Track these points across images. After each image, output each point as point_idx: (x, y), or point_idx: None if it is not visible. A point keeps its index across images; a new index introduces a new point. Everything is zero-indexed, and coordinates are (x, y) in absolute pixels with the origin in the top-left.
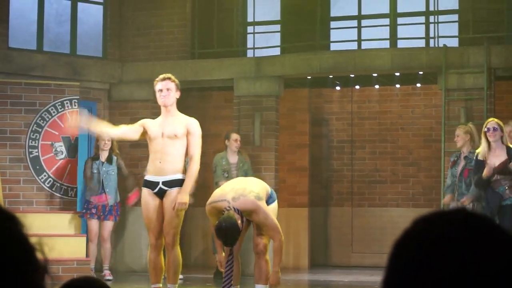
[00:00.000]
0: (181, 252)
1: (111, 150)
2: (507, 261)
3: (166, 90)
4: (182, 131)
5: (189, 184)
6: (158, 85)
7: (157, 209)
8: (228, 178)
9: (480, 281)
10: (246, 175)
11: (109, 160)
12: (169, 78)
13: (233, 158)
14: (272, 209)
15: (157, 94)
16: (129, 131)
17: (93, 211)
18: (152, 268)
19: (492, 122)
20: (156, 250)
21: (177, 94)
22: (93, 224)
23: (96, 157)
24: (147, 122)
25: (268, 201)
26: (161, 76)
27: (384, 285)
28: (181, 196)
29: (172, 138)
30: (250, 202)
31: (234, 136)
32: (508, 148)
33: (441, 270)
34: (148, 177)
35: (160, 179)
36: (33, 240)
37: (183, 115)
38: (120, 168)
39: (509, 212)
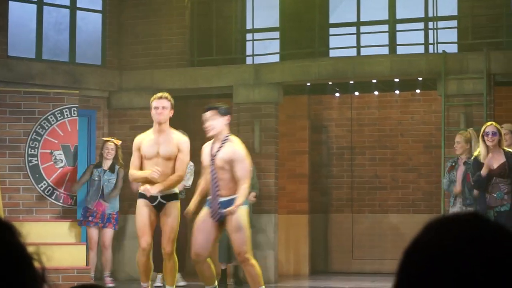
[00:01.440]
0: (185, 259)
1: (115, 159)
2: None
3: (162, 108)
4: (175, 152)
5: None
6: (154, 103)
7: (153, 218)
8: None
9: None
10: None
11: (111, 169)
12: (166, 98)
13: None
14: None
15: (153, 111)
16: (138, 164)
17: (90, 218)
18: (143, 270)
19: (490, 126)
20: (147, 254)
21: (171, 113)
22: (93, 232)
23: (98, 165)
24: (141, 143)
25: None
26: (159, 95)
27: None
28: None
29: (167, 159)
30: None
31: None
32: (505, 151)
33: (451, 278)
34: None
35: (159, 193)
36: (30, 249)
37: (174, 131)
38: (118, 177)
39: (505, 219)
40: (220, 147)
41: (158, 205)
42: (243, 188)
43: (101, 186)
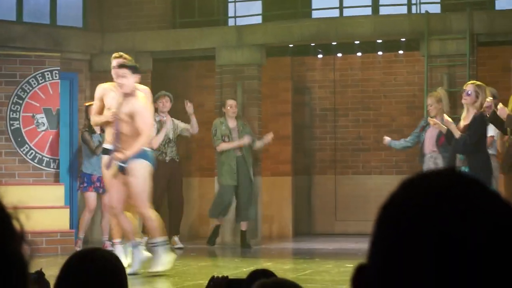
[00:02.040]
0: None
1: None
2: (493, 228)
3: (122, 78)
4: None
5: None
6: (113, 63)
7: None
8: (230, 142)
9: (465, 247)
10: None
11: (103, 131)
12: (124, 66)
13: (232, 123)
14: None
15: (113, 72)
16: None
17: (97, 184)
18: (116, 228)
19: (469, 85)
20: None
21: (135, 77)
22: (92, 196)
23: (92, 130)
24: (104, 95)
25: None
26: (115, 56)
27: (371, 249)
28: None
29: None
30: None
31: (229, 102)
32: (476, 113)
33: (427, 235)
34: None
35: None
36: (9, 209)
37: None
38: None
39: None
40: (124, 101)
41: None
42: (138, 141)
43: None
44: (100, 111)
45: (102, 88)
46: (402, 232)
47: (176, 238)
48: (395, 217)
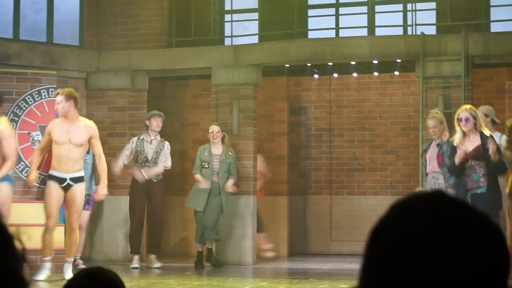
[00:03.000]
0: (160, 241)
1: None
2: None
3: (57, 104)
4: (87, 139)
5: (105, 178)
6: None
7: (60, 200)
8: (209, 169)
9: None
10: (228, 169)
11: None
12: (58, 94)
13: (217, 150)
14: None
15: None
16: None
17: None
18: (48, 246)
19: (464, 112)
20: (51, 232)
21: (70, 104)
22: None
23: None
24: (52, 129)
25: None
26: (55, 92)
27: (362, 272)
28: (103, 189)
29: (78, 146)
30: None
31: (211, 127)
32: (481, 133)
33: (416, 258)
34: (55, 172)
35: (67, 175)
36: (11, 229)
37: (82, 119)
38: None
39: (481, 201)
40: None
41: (66, 186)
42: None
43: None
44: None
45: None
46: (392, 257)
47: (152, 257)
48: (385, 242)
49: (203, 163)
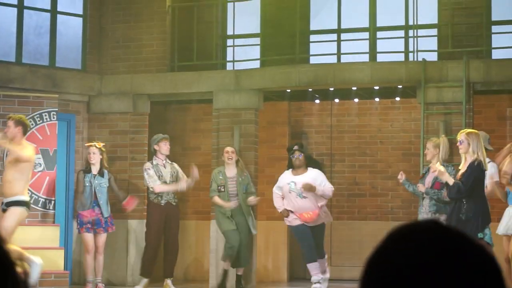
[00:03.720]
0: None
1: (101, 163)
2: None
3: (7, 127)
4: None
5: None
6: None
7: None
8: (225, 192)
9: None
10: (246, 189)
11: (100, 173)
12: (8, 118)
13: (230, 172)
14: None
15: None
16: None
17: (89, 225)
18: None
19: (461, 134)
20: None
21: (18, 130)
22: (89, 236)
23: (88, 170)
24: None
25: None
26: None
27: None
28: None
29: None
30: None
31: (226, 148)
32: (472, 160)
33: (411, 286)
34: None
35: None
36: (13, 255)
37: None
38: (110, 182)
39: (463, 226)
40: None
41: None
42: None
43: (93, 192)
44: None
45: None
46: (388, 284)
47: (169, 281)
48: (381, 270)
49: (219, 187)
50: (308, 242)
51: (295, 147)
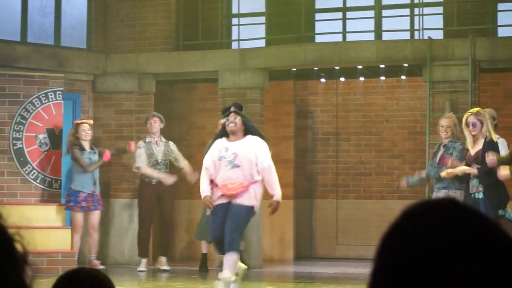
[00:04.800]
0: (170, 244)
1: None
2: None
3: None
4: None
5: None
6: None
7: None
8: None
9: (465, 277)
10: None
11: (92, 149)
12: None
13: None
14: None
15: None
16: None
17: (83, 204)
18: None
19: (471, 116)
20: None
21: None
22: (79, 215)
23: (82, 148)
24: None
25: None
26: None
27: (373, 277)
28: None
29: None
30: None
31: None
32: (485, 138)
33: (427, 265)
34: None
35: None
36: (11, 231)
37: None
38: (100, 156)
39: (480, 206)
40: None
41: None
42: None
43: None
44: None
45: None
46: (403, 263)
47: (163, 259)
48: (396, 249)
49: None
50: (220, 229)
51: (232, 109)
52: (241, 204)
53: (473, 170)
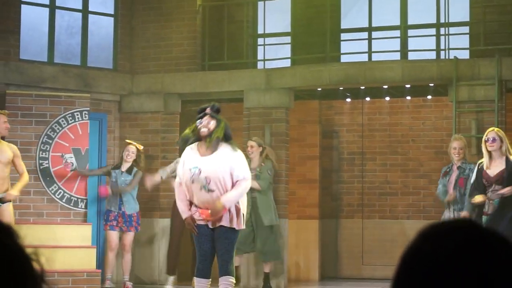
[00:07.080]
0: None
1: (135, 162)
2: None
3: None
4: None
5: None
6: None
7: None
8: None
9: None
10: (258, 178)
11: (129, 171)
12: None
13: (253, 164)
14: None
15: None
16: None
17: (114, 223)
18: None
19: (491, 132)
20: None
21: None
22: (113, 234)
23: (117, 167)
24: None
25: None
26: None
27: None
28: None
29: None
30: None
31: (250, 142)
32: (507, 158)
33: (445, 285)
34: None
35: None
36: (29, 250)
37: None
38: (134, 178)
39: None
40: None
41: None
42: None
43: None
44: None
45: None
46: (421, 283)
47: (170, 278)
48: (414, 268)
49: None
50: (203, 250)
51: (207, 110)
52: (220, 228)
53: (495, 195)
